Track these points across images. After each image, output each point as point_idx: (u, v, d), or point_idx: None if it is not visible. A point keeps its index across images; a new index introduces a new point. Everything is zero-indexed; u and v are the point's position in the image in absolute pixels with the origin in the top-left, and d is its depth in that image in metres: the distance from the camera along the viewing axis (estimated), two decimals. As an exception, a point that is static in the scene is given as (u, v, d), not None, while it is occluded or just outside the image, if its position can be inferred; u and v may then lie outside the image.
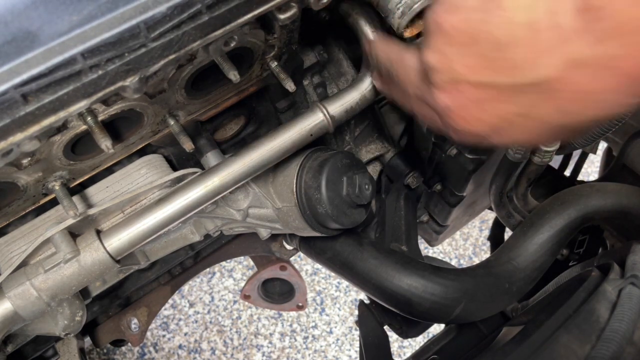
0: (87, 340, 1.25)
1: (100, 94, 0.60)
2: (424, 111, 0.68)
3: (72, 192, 0.84)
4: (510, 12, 0.51)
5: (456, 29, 0.55)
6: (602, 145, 1.79)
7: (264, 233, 1.03)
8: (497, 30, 0.52)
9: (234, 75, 0.75)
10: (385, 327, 1.19)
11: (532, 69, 0.52)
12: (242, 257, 2.25)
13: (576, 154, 1.67)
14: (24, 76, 0.54)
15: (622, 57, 0.48)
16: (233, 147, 1.06)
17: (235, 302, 2.67)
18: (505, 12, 0.51)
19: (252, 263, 2.16)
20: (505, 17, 0.52)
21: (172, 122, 0.86)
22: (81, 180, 0.87)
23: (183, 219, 0.85)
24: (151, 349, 2.55)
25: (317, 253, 1.11)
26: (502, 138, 0.60)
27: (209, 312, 2.64)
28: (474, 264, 1.11)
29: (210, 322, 2.62)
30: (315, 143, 0.97)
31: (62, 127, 0.73)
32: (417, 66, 0.66)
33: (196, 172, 0.88)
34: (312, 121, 0.91)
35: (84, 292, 0.96)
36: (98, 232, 0.82)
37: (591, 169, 2.89)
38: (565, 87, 0.52)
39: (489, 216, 2.77)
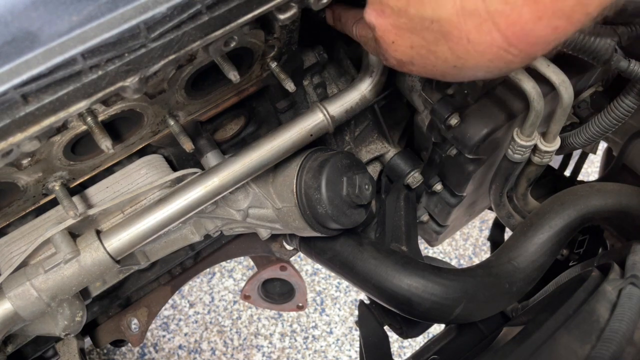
0: (87, 341, 1.25)
1: (100, 94, 0.60)
2: (363, 32, 0.79)
3: (72, 192, 0.84)
4: None
5: None
6: (602, 145, 1.78)
7: (264, 233, 1.03)
8: None
9: (234, 76, 0.75)
10: (385, 327, 1.19)
11: (434, 7, 0.57)
12: (242, 258, 2.25)
13: (576, 154, 1.67)
14: (24, 76, 0.54)
15: (501, 14, 0.52)
16: (233, 147, 1.06)
17: (235, 302, 2.67)
18: None
19: (252, 263, 2.16)
20: None
21: (172, 122, 0.86)
22: (81, 180, 0.87)
23: (183, 219, 0.85)
24: (151, 349, 2.55)
25: (317, 253, 1.11)
26: (417, 68, 0.66)
27: (209, 312, 2.64)
28: (474, 264, 1.11)
29: (211, 322, 2.62)
30: (315, 143, 0.97)
31: (62, 128, 0.73)
32: None
33: (196, 173, 0.88)
34: (312, 121, 0.91)
35: (84, 293, 0.96)
36: (98, 233, 0.82)
37: (591, 169, 2.89)
38: (456, 32, 0.56)
39: (489, 216, 2.77)
